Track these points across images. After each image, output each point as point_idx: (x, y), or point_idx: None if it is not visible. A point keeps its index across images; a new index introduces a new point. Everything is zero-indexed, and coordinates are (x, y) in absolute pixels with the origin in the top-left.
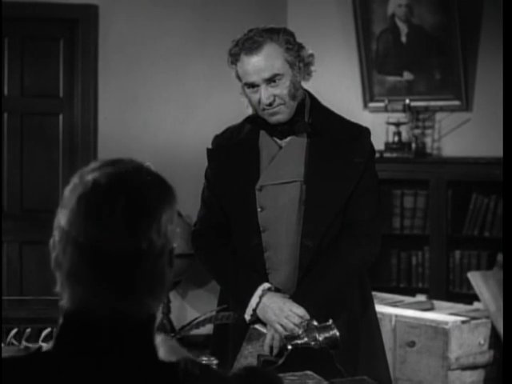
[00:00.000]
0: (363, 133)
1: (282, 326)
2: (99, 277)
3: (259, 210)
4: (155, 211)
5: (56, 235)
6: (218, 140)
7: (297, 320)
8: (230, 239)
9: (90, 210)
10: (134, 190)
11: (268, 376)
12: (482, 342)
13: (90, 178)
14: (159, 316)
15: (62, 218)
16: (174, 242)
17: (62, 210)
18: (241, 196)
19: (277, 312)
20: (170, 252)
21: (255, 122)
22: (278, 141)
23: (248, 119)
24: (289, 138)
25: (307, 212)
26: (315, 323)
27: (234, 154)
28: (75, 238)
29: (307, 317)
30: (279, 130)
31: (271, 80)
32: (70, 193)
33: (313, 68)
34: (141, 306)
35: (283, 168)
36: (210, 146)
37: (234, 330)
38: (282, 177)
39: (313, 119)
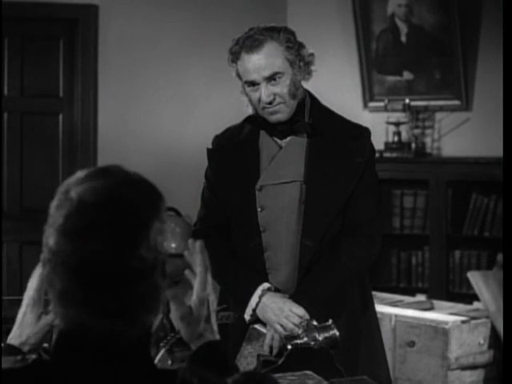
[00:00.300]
0: (363, 133)
1: (281, 326)
2: (91, 297)
3: (259, 209)
4: (144, 227)
5: (46, 253)
6: (218, 140)
7: (296, 320)
8: (230, 239)
9: (77, 230)
10: (121, 206)
11: (266, 381)
12: (482, 341)
13: (74, 194)
14: (159, 316)
15: (49, 237)
16: (164, 253)
17: (49, 228)
18: (241, 196)
19: (276, 312)
20: (162, 263)
21: (255, 122)
22: (278, 141)
23: (248, 119)
24: (289, 138)
25: (307, 212)
26: (315, 323)
27: (234, 153)
28: (64, 259)
29: (307, 317)
30: (279, 130)
31: (271, 78)
32: (55, 210)
33: (313, 67)
34: (136, 323)
35: (283, 168)
36: (210, 146)
37: (234, 329)
38: (282, 177)
39: (313, 119)
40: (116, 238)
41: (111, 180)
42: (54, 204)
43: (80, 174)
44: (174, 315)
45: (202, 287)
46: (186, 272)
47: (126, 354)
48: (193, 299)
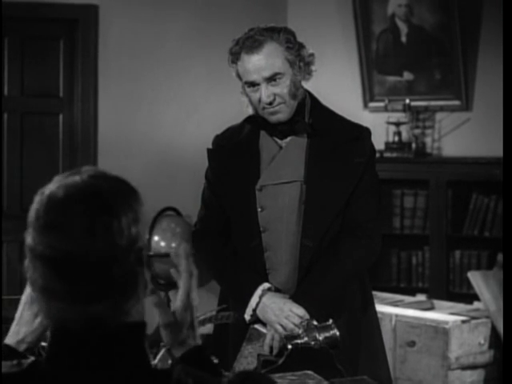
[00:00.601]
0: (364, 133)
1: (282, 326)
2: (68, 286)
3: (259, 210)
4: (113, 214)
5: (27, 255)
6: (219, 140)
7: (297, 320)
8: (230, 239)
9: (50, 222)
10: (90, 197)
11: (262, 380)
12: (482, 341)
13: (46, 193)
14: (145, 295)
15: (27, 236)
16: (141, 241)
17: (27, 229)
18: (241, 196)
19: (277, 312)
20: (138, 251)
21: (255, 123)
22: (279, 141)
23: (248, 119)
24: (289, 138)
25: (307, 212)
26: (315, 323)
27: (235, 154)
28: (41, 253)
29: (307, 317)
30: (279, 130)
31: (272, 79)
32: (31, 210)
33: (313, 68)
34: (114, 307)
35: (283, 168)
36: (210, 146)
37: (234, 329)
38: (283, 177)
39: (313, 119)
40: (85, 225)
41: (82, 176)
42: (31, 207)
43: (56, 178)
44: (159, 322)
45: (186, 293)
46: (172, 270)
47: (120, 355)
48: (176, 305)
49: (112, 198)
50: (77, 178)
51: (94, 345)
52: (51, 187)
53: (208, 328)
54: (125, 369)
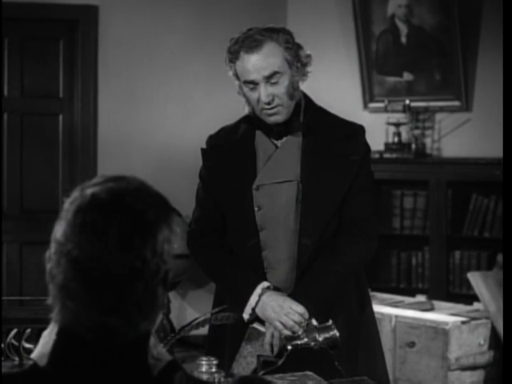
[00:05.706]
0: (357, 131)
1: (281, 323)
2: (89, 291)
3: (256, 209)
4: (151, 230)
5: (52, 247)
6: (214, 140)
7: (297, 317)
8: (225, 239)
9: (86, 224)
10: (132, 207)
11: None
12: (482, 342)
13: (89, 191)
14: (159, 317)
15: (58, 230)
16: (170, 263)
17: (59, 221)
18: (237, 196)
19: (276, 309)
20: (166, 273)
21: (251, 123)
22: (274, 141)
23: (243, 119)
24: (285, 138)
25: (304, 211)
26: (315, 323)
27: (230, 154)
28: (69, 251)
29: (306, 314)
30: (275, 131)
31: (271, 78)
32: (68, 205)
33: (309, 69)
34: (129, 323)
35: (280, 168)
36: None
37: (232, 329)
38: (279, 176)
39: (307, 119)
40: (122, 235)
41: (128, 184)
42: (68, 201)
43: (97, 178)
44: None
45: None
46: None
47: (121, 361)
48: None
49: (153, 215)
50: (123, 185)
51: (99, 352)
52: (94, 188)
53: (206, 329)
54: (126, 377)
